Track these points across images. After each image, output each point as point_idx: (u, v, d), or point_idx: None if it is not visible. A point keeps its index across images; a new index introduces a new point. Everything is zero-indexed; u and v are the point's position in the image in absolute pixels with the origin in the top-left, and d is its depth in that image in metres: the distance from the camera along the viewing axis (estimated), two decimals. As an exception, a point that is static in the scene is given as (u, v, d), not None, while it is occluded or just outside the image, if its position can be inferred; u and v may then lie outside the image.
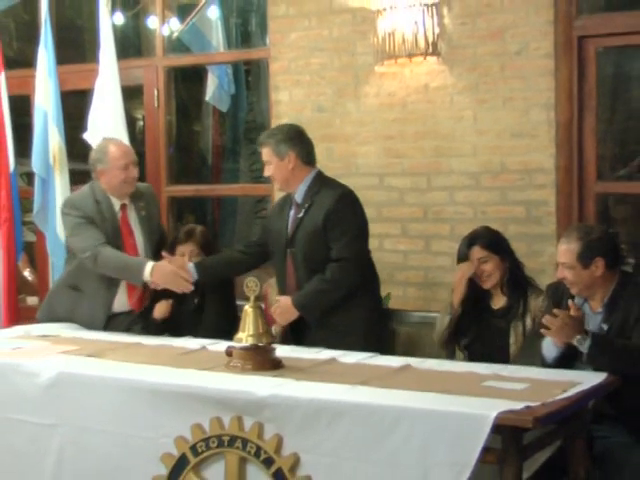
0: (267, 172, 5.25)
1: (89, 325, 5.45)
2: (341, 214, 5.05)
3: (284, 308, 4.96)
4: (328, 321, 5.07)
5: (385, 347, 4.97)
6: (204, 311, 5.60)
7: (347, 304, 5.07)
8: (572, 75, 5.73)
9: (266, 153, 5.20)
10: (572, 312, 4.18)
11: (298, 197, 5.20)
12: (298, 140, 5.20)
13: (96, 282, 5.43)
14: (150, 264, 5.25)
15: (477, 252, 4.95)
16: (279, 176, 5.20)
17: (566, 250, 4.32)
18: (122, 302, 5.53)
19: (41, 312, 5.69)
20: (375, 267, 5.33)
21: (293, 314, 5.04)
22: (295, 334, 5.21)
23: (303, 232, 5.13)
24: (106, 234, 5.38)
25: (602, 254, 4.27)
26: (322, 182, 5.20)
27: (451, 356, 5.07)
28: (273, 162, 5.17)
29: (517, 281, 4.93)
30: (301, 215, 5.15)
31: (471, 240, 5.02)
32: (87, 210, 5.41)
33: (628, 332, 4.20)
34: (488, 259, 4.93)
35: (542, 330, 4.23)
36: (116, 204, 5.51)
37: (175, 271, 5.23)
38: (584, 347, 4.10)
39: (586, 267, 4.27)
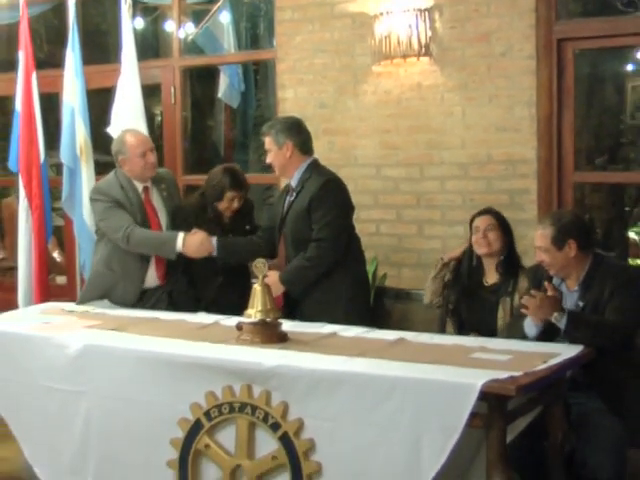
0: (268, 159, 5.25)
1: (123, 302, 5.42)
2: (323, 199, 5.03)
3: (272, 282, 4.93)
4: (312, 295, 5.08)
5: (365, 319, 4.98)
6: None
7: (329, 279, 5.07)
8: (552, 75, 5.72)
9: (267, 142, 5.20)
10: (549, 292, 4.19)
11: (293, 182, 5.20)
12: (295, 131, 5.18)
13: (129, 261, 5.41)
14: (181, 236, 5.24)
15: (487, 219, 4.95)
16: (277, 163, 5.20)
17: (541, 235, 4.33)
18: (151, 278, 5.50)
19: (81, 297, 5.66)
20: (360, 247, 5.31)
21: (280, 288, 5.03)
22: (287, 307, 5.22)
23: (292, 214, 5.14)
24: (134, 215, 5.36)
25: (574, 236, 4.27)
26: (314, 169, 5.17)
27: (443, 320, 5.08)
28: (273, 150, 5.17)
29: (511, 262, 4.92)
30: (292, 199, 5.17)
31: (485, 210, 5.05)
32: (115, 195, 5.38)
33: (602, 308, 4.20)
34: (494, 228, 4.92)
35: (522, 310, 4.25)
36: (139, 187, 5.48)
37: (202, 241, 5.23)
38: (561, 323, 4.11)
39: (560, 249, 4.28)
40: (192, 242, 5.23)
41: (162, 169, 5.98)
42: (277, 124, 5.23)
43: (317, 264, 5.03)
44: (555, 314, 4.12)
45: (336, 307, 5.02)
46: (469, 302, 4.98)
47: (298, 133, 5.18)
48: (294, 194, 5.16)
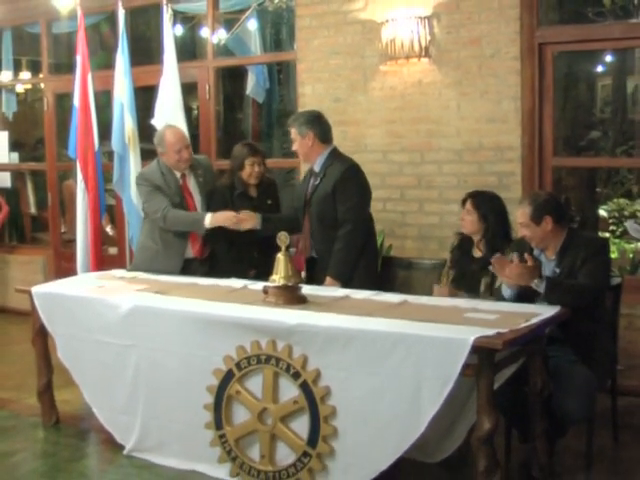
0: (293, 147, 5.22)
1: (167, 271, 5.39)
2: (346, 184, 4.98)
3: (330, 284, 4.88)
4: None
5: (376, 285, 4.93)
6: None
7: None
8: (534, 74, 5.69)
9: (292, 132, 5.17)
10: (529, 263, 4.16)
11: (316, 168, 5.16)
12: (316, 123, 5.13)
13: (169, 236, 5.43)
14: (208, 215, 5.26)
15: (467, 204, 4.87)
16: (301, 151, 5.17)
17: (522, 213, 4.31)
18: (189, 251, 5.50)
19: (132, 267, 5.67)
20: (374, 227, 5.25)
21: (337, 283, 4.91)
22: (310, 278, 5.19)
23: (317, 196, 5.10)
24: (172, 198, 5.37)
25: (549, 212, 4.24)
26: (335, 157, 5.13)
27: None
28: (297, 140, 5.14)
29: (491, 243, 4.77)
30: (317, 183, 5.12)
31: (469, 195, 4.91)
32: (155, 180, 5.40)
33: (575, 273, 4.18)
34: (469, 214, 4.83)
35: (505, 280, 4.19)
36: (178, 174, 5.49)
37: (226, 215, 5.21)
38: (541, 288, 4.09)
39: (538, 224, 4.25)
40: (216, 218, 5.23)
41: (201, 156, 6.03)
42: (300, 117, 5.21)
43: (348, 243, 4.95)
44: (535, 281, 4.10)
45: (357, 280, 4.94)
46: (460, 271, 4.93)
47: (318, 124, 5.14)
48: (318, 179, 5.12)
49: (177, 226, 5.37)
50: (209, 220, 5.24)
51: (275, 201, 5.65)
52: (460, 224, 4.94)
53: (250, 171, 5.46)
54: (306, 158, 5.24)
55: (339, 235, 4.97)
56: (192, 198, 5.51)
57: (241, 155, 5.48)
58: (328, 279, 4.96)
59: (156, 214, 5.34)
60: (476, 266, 4.81)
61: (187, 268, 5.46)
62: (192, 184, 5.55)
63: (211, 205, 5.49)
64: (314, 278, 5.11)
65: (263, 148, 5.65)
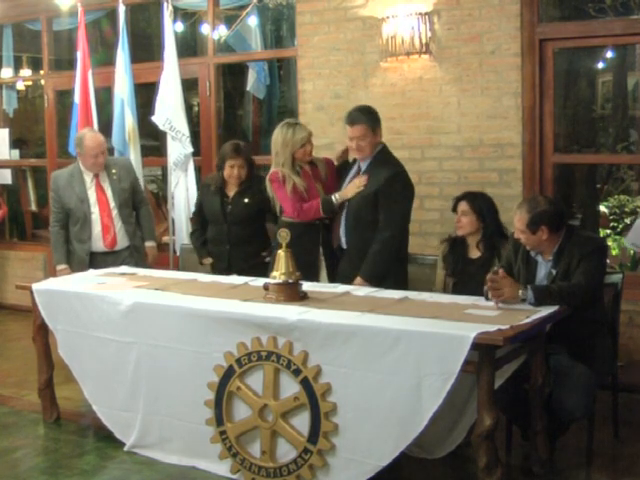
0: (361, 143, 4.86)
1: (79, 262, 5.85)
2: (390, 191, 4.79)
3: (359, 284, 4.73)
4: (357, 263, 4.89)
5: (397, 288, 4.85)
6: None
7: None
8: (535, 70, 5.68)
9: (361, 129, 4.83)
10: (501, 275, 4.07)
11: (363, 165, 4.96)
12: (380, 120, 4.95)
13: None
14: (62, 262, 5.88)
15: (461, 205, 4.88)
16: (369, 148, 4.88)
17: (519, 219, 4.24)
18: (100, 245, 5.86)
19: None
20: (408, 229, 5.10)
21: (366, 284, 4.75)
22: (333, 267, 5.12)
23: (358, 195, 4.89)
24: (68, 202, 5.78)
25: (546, 223, 4.17)
26: (383, 157, 4.93)
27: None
28: (368, 136, 4.85)
29: (490, 241, 4.80)
30: None
31: (463, 196, 4.93)
32: (59, 182, 5.83)
33: (571, 274, 4.15)
34: (467, 214, 4.84)
35: (492, 301, 4.06)
36: (88, 176, 5.81)
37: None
38: (528, 298, 4.02)
39: (534, 233, 4.19)
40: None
41: (120, 157, 6.53)
42: (370, 113, 4.91)
43: (384, 249, 4.77)
44: (520, 291, 4.04)
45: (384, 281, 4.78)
46: (459, 275, 4.90)
47: (379, 121, 4.95)
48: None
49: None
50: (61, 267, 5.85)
51: (253, 199, 5.53)
52: (456, 227, 4.92)
53: (229, 173, 5.54)
54: (365, 154, 4.93)
55: (377, 239, 4.80)
56: (104, 193, 5.84)
57: (224, 154, 5.57)
58: (358, 279, 4.81)
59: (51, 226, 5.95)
60: (475, 267, 4.80)
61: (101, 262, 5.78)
62: (106, 182, 5.86)
63: (199, 203, 5.79)
64: (337, 268, 5.04)
65: (251, 148, 5.67)
